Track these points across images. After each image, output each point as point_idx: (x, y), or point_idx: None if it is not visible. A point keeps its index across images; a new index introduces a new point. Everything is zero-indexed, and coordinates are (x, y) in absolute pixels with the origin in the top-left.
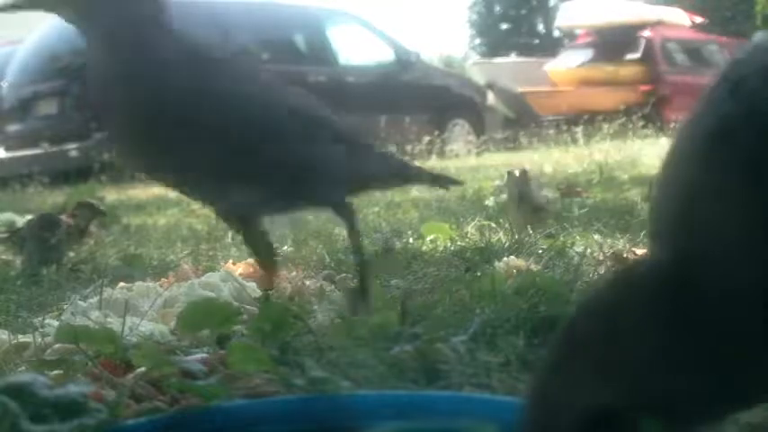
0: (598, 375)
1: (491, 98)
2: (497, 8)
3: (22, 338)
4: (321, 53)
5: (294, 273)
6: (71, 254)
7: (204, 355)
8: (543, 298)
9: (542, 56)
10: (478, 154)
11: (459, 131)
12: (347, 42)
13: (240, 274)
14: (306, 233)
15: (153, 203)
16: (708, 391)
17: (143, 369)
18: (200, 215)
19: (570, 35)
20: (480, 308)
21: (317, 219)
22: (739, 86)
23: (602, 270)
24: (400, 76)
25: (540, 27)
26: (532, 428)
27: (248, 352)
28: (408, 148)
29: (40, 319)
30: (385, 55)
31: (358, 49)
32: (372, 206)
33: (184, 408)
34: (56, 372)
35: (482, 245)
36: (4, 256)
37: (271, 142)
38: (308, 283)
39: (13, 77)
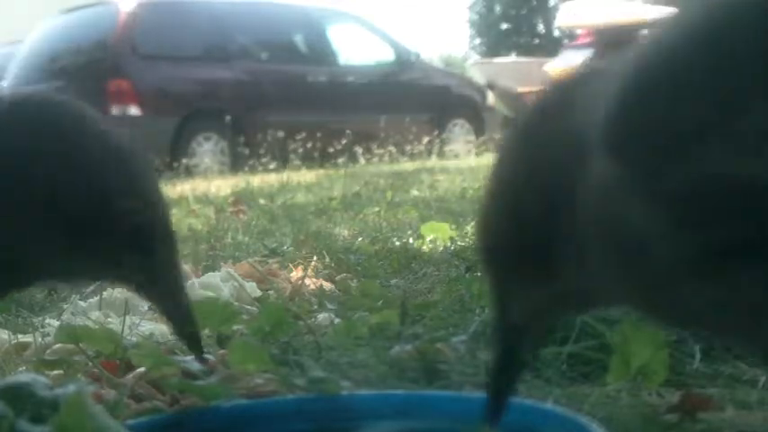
0: None
1: (491, 98)
2: (497, 8)
3: (22, 338)
4: (321, 53)
5: (294, 273)
6: None
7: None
8: None
9: (542, 56)
10: (478, 154)
11: (459, 131)
12: (347, 42)
13: (240, 274)
14: (306, 233)
15: None
16: None
17: (143, 369)
18: (200, 215)
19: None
20: (480, 308)
21: (318, 219)
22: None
23: None
24: (400, 76)
25: (540, 27)
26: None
27: (249, 351)
28: (408, 148)
29: (40, 319)
30: (385, 55)
31: (358, 49)
32: (372, 206)
33: (184, 408)
34: (56, 372)
35: None
36: None
37: None
38: (308, 282)
39: (13, 77)
